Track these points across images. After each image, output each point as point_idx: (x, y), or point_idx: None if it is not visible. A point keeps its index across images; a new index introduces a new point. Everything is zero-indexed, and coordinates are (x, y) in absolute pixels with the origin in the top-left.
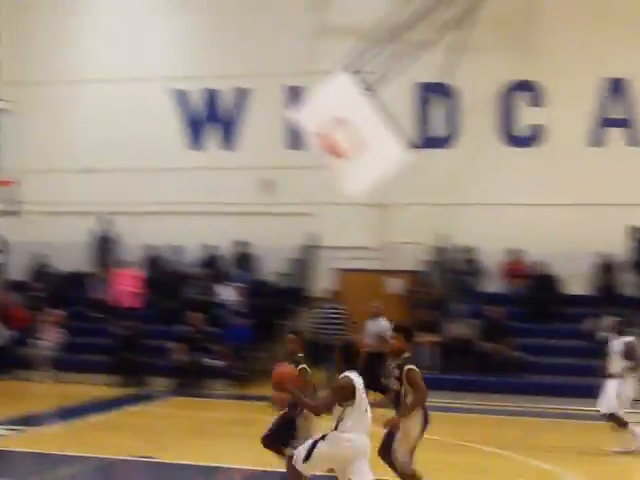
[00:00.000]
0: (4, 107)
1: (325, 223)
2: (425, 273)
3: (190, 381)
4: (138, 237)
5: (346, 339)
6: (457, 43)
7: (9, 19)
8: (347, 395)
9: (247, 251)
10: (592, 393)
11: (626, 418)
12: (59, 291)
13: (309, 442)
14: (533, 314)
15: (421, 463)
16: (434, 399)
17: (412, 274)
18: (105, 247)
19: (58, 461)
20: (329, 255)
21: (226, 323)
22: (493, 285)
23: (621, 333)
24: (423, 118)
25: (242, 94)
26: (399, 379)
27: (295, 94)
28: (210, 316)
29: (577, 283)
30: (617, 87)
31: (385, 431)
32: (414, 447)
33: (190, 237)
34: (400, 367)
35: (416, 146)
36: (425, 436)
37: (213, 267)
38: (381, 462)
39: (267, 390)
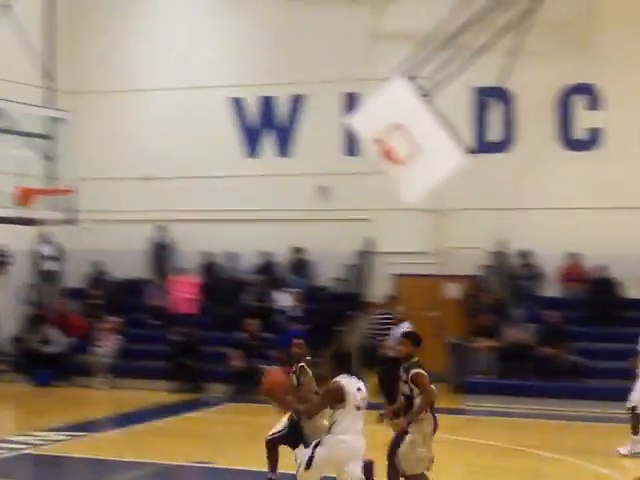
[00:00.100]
0: (62, 116)
1: (381, 228)
2: (483, 278)
3: (247, 387)
4: (194, 244)
5: (337, 345)
6: (514, 47)
7: (66, 30)
8: (337, 398)
9: (303, 257)
10: None
11: None
12: (116, 298)
13: (309, 450)
14: (592, 318)
15: (478, 468)
16: (492, 404)
17: (470, 279)
18: (162, 254)
19: (116, 467)
20: (385, 260)
21: (282, 329)
22: (551, 289)
23: None
24: (480, 123)
25: (298, 101)
26: (407, 382)
27: (351, 100)
28: (266, 322)
29: (636, 286)
30: None
31: (394, 434)
32: (430, 449)
33: (246, 244)
34: (407, 371)
35: (473, 151)
36: (481, 441)
37: (269, 273)
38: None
39: None
